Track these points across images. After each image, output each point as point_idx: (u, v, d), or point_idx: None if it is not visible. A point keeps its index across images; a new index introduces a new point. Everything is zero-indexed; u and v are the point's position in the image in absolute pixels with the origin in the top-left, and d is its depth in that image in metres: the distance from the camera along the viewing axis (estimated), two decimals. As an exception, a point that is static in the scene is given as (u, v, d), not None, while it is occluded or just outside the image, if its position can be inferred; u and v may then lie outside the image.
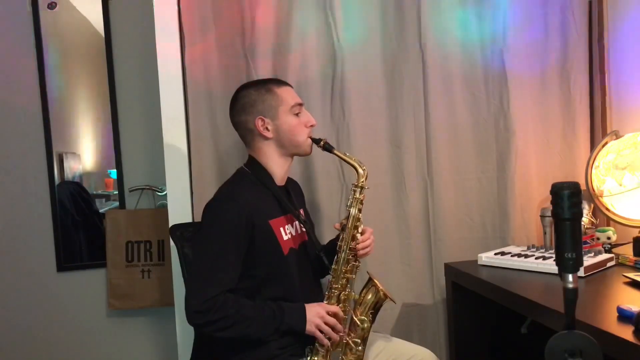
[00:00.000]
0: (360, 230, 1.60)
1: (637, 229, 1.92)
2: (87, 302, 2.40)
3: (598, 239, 1.99)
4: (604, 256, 1.78)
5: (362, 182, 1.60)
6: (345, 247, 1.57)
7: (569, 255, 0.90)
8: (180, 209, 1.97)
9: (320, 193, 2.05)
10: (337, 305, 1.55)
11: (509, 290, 1.60)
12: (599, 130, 2.26)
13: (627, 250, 1.88)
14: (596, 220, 2.12)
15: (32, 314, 2.36)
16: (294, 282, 1.56)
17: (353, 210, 1.58)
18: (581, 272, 1.60)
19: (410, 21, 2.10)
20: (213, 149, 2.02)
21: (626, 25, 2.17)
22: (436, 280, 2.14)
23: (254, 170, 1.60)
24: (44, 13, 2.32)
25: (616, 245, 1.98)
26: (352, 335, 1.55)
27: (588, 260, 1.70)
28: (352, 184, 1.61)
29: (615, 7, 2.20)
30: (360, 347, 1.54)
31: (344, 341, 1.54)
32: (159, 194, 2.40)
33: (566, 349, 0.86)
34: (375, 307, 1.57)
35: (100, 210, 2.44)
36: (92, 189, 2.46)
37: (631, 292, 1.52)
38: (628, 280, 1.58)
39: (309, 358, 1.51)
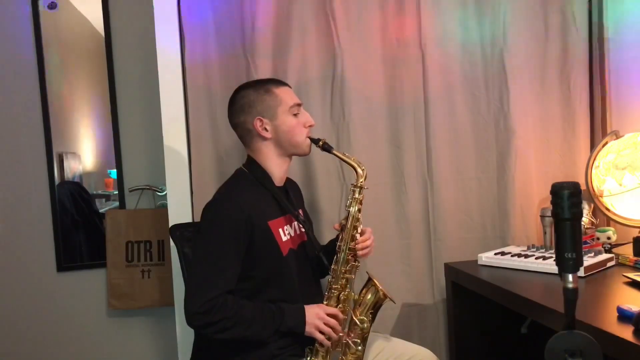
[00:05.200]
0: (359, 230, 1.60)
1: (637, 229, 1.93)
2: (87, 302, 2.40)
3: (598, 239, 1.99)
4: (604, 256, 1.78)
5: (361, 182, 1.59)
6: (344, 247, 1.57)
7: (569, 255, 0.90)
8: (180, 209, 1.97)
9: (320, 193, 2.05)
10: (337, 305, 1.55)
11: (508, 290, 1.60)
12: (599, 130, 2.26)
13: (627, 250, 1.88)
14: (596, 220, 2.12)
15: (32, 314, 2.36)
16: (293, 283, 1.56)
17: (352, 211, 1.58)
18: (581, 272, 1.60)
19: (410, 21, 2.10)
20: (213, 149, 2.02)
21: (626, 25, 2.17)
22: (436, 280, 2.14)
23: (252, 170, 1.60)
24: (44, 13, 2.32)
25: (616, 245, 1.98)
26: (352, 335, 1.55)
27: (588, 260, 1.70)
28: (351, 184, 1.60)
29: (615, 7, 2.20)
30: (359, 347, 1.54)
31: (344, 341, 1.54)
32: (159, 194, 2.40)
33: (566, 349, 0.86)
34: (375, 307, 1.57)
35: (100, 210, 2.44)
36: (92, 189, 2.46)
37: (631, 292, 1.52)
38: (628, 280, 1.58)
39: (308, 358, 1.51)
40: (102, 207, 2.45)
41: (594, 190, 2.05)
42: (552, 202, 0.92)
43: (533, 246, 1.96)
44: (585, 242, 1.93)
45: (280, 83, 1.64)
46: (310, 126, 1.62)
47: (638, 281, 1.53)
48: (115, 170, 2.41)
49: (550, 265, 1.72)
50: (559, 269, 0.92)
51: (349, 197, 1.60)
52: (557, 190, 0.91)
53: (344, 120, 2.06)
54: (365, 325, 1.54)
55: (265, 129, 1.57)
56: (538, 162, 2.22)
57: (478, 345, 2.00)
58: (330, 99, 2.07)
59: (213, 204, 1.51)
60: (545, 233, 2.07)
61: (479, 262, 1.91)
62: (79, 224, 2.41)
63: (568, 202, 0.90)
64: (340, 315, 1.53)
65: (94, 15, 2.36)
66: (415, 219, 2.13)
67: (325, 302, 1.55)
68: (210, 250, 1.45)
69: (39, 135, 2.32)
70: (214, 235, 1.46)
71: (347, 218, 1.58)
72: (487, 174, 2.19)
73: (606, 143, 2.06)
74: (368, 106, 2.10)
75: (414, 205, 2.13)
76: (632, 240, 1.88)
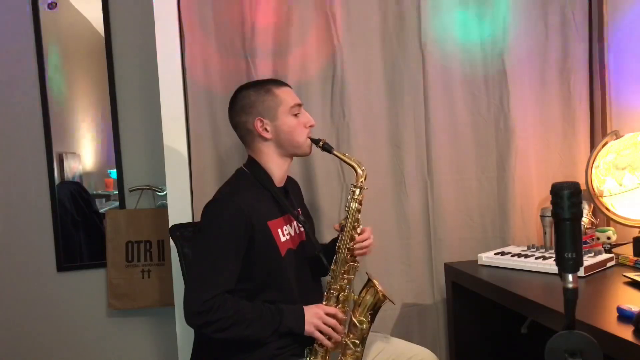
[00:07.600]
0: (359, 230, 1.60)
1: (637, 229, 1.92)
2: (87, 302, 2.40)
3: (598, 239, 1.99)
4: (604, 256, 1.78)
5: (361, 182, 1.59)
6: (344, 247, 1.57)
7: (569, 255, 0.90)
8: (180, 209, 1.97)
9: (320, 193, 2.05)
10: (336, 305, 1.55)
11: (508, 290, 1.60)
12: (599, 130, 2.26)
13: (627, 250, 1.88)
14: (596, 220, 2.12)
15: (32, 314, 2.36)
16: (292, 285, 1.55)
17: (352, 211, 1.58)
18: (581, 272, 1.60)
19: (410, 21, 2.10)
20: (213, 149, 2.02)
21: (626, 25, 2.17)
22: (436, 280, 2.14)
23: (253, 170, 1.60)
24: (44, 13, 2.32)
25: (616, 245, 1.98)
26: (351, 336, 1.55)
27: (588, 260, 1.70)
28: (351, 184, 1.60)
29: (615, 7, 2.20)
30: (358, 348, 1.54)
31: (343, 342, 1.54)
32: (159, 194, 2.40)
33: (566, 349, 0.86)
34: (374, 308, 1.57)
35: (100, 210, 2.44)
36: (92, 189, 2.46)
37: (631, 292, 1.52)
38: (628, 280, 1.58)
39: (308, 358, 1.51)
40: (102, 207, 2.45)
41: (594, 190, 2.05)
42: (552, 202, 0.92)
43: (533, 246, 1.96)
44: (585, 242, 1.93)
45: (280, 83, 1.64)
46: (310, 126, 1.62)
47: (638, 281, 1.53)
48: (115, 170, 2.41)
49: (550, 265, 1.72)
50: (559, 269, 0.91)
51: (349, 197, 1.60)
52: (557, 190, 0.91)
53: (344, 120, 2.06)
54: (365, 326, 1.54)
55: (266, 130, 1.57)
56: (538, 162, 2.22)
57: (478, 345, 2.00)
58: (330, 99, 2.07)
59: (213, 204, 1.51)
60: (545, 233, 2.07)
61: (479, 262, 1.91)
62: (79, 224, 2.41)
63: (568, 202, 0.90)
64: (340, 315, 1.53)
65: (94, 15, 2.37)
66: (415, 219, 2.13)
67: (324, 303, 1.55)
68: (210, 250, 1.46)
69: (39, 135, 2.32)
70: (213, 235, 1.46)
71: (346, 218, 1.58)
72: (487, 174, 2.19)
73: (606, 143, 2.06)
74: (368, 106, 2.10)
75: (414, 205, 2.13)
76: (632, 240, 1.88)
